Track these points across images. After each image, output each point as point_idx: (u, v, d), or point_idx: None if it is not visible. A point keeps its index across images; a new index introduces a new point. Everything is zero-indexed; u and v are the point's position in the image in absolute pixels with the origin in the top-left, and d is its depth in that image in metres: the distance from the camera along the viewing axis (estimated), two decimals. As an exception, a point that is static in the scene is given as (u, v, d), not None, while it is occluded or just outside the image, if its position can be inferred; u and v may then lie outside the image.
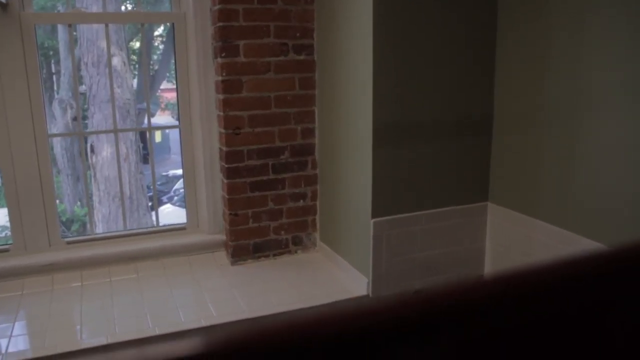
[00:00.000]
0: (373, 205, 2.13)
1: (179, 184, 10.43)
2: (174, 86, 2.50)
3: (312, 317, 0.39)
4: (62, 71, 8.48)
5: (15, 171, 2.32)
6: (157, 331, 1.96)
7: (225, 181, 2.45)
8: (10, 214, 2.36)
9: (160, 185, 11.05)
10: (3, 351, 1.88)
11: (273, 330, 0.37)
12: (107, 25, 2.49)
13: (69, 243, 2.45)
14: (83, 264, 2.40)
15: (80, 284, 2.34)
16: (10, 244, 2.39)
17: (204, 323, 2.01)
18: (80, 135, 2.64)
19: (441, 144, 2.21)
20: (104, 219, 7.32)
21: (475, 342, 0.43)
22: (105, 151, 6.66)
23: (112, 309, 2.15)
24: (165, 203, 10.34)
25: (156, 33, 10.72)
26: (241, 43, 2.35)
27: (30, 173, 2.33)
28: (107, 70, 6.62)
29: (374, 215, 2.14)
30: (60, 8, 8.61)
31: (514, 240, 2.22)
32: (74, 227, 9.54)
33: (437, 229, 2.26)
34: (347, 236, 2.37)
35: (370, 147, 2.09)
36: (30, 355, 1.85)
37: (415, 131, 2.15)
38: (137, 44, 9.92)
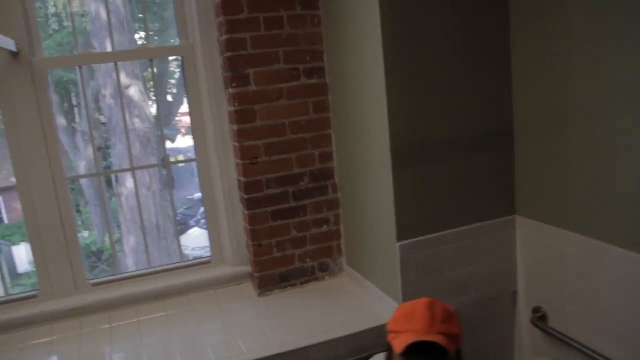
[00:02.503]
0: (398, 228, 2.08)
1: (205, 207, 10.44)
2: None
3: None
4: (83, 104, 8.61)
5: (37, 216, 2.32)
6: (187, 373, 1.93)
7: (246, 212, 2.41)
8: (35, 259, 2.37)
9: (186, 209, 11.12)
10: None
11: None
12: (116, 64, 2.50)
13: (94, 285, 2.44)
14: (110, 306, 2.39)
15: (109, 325, 2.33)
16: (38, 290, 2.39)
17: (234, 361, 1.97)
18: (98, 175, 2.64)
19: (463, 159, 2.15)
20: (132, 249, 7.38)
21: None
22: (129, 182, 6.71)
23: (141, 350, 2.13)
24: (193, 227, 10.41)
25: (171, 57, 10.84)
26: (251, 71, 2.32)
27: (51, 217, 2.33)
28: (125, 102, 6.70)
29: (399, 239, 2.08)
30: (79, 44, 8.75)
31: (546, 253, 2.14)
32: (104, 256, 9.64)
33: (465, 247, 2.19)
34: (374, 260, 2.32)
35: (390, 168, 2.04)
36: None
37: (434, 148, 2.10)
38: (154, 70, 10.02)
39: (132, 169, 2.56)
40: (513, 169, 2.25)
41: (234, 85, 2.31)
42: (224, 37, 2.29)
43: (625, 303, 1.81)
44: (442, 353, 1.55)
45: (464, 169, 2.16)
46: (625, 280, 1.80)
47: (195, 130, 2.51)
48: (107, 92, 7.02)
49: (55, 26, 9.09)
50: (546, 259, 2.15)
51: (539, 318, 2.21)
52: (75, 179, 7.96)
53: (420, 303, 1.60)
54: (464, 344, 2.26)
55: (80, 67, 2.38)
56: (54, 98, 8.68)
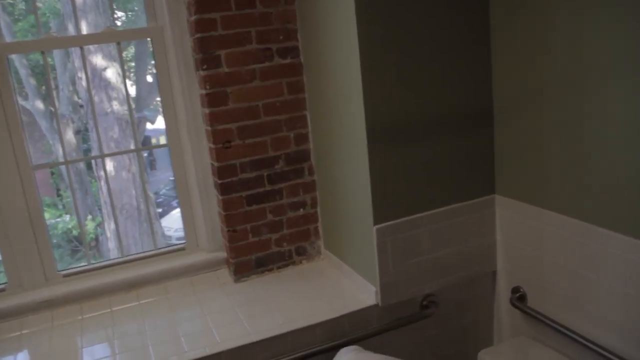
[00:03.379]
0: (374, 210, 2.03)
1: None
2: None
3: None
4: (61, 86, 8.43)
5: (2, 207, 2.24)
6: (160, 365, 1.88)
7: (220, 197, 2.35)
8: (1, 251, 2.29)
9: (168, 190, 11.01)
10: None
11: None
12: (82, 48, 2.40)
13: (65, 276, 2.37)
14: (82, 297, 2.33)
15: (80, 317, 2.26)
16: (5, 283, 2.32)
17: (208, 351, 1.92)
18: (66, 164, 2.55)
19: (441, 140, 2.10)
20: (114, 232, 7.30)
21: None
22: (108, 165, 6.60)
23: (113, 340, 2.08)
24: (176, 208, 10.30)
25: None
26: (222, 53, 2.24)
27: (17, 207, 2.26)
28: (102, 84, 6.56)
29: (376, 222, 2.04)
30: (53, 25, 8.54)
31: (525, 233, 2.11)
32: (86, 240, 9.53)
33: (444, 229, 2.15)
34: (351, 244, 2.28)
35: (366, 149, 1.98)
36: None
37: (411, 128, 2.04)
38: (132, 50, 9.83)
39: (102, 156, 2.50)
40: (492, 149, 2.20)
41: (205, 67, 2.23)
42: (193, 17, 2.20)
43: (604, 282, 1.79)
44: None
45: (442, 149, 2.11)
46: (604, 259, 1.77)
47: (166, 114, 2.43)
48: (83, 75, 6.86)
49: (22, 6, 8.85)
50: (525, 238, 2.12)
51: (518, 298, 2.19)
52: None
53: None
54: (443, 325, 2.24)
55: (43, 52, 2.28)
56: (31, 82, 8.50)
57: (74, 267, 2.42)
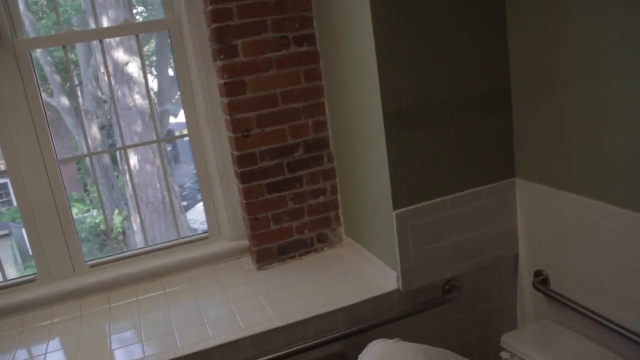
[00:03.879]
0: (393, 195, 2.04)
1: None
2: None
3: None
4: (84, 82, 8.55)
5: (30, 200, 2.30)
6: (186, 351, 1.91)
7: (241, 186, 2.38)
8: (31, 243, 2.35)
9: (192, 183, 11.11)
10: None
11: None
12: (102, 42, 2.44)
13: (92, 266, 2.42)
14: (109, 286, 2.38)
15: (108, 306, 2.32)
16: (35, 273, 2.38)
17: (232, 337, 1.95)
18: (90, 156, 2.60)
19: (459, 122, 2.09)
20: (139, 226, 7.40)
21: None
22: (132, 159, 6.68)
23: (140, 328, 2.12)
24: (200, 201, 10.41)
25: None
26: (239, 42, 2.26)
27: (44, 200, 2.31)
28: (124, 78, 6.64)
29: (395, 207, 2.04)
30: (74, 21, 8.65)
31: (547, 216, 2.09)
32: (113, 234, 9.69)
33: (464, 213, 2.15)
34: (372, 230, 2.28)
35: (383, 133, 1.98)
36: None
37: (428, 111, 2.04)
38: (153, 45, 9.91)
39: (124, 148, 2.53)
40: (511, 132, 2.18)
41: (222, 57, 2.25)
42: (210, 7, 2.22)
43: (626, 264, 1.77)
44: None
45: (461, 131, 2.10)
46: (626, 240, 1.75)
47: (185, 104, 2.46)
48: (106, 70, 6.95)
49: (45, 3, 8.98)
50: (547, 221, 2.10)
51: (541, 281, 2.18)
52: (78, 159, 7.95)
53: None
54: (465, 309, 2.23)
55: (64, 47, 2.32)
56: (56, 78, 8.63)
57: (100, 258, 2.47)
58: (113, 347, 2.03)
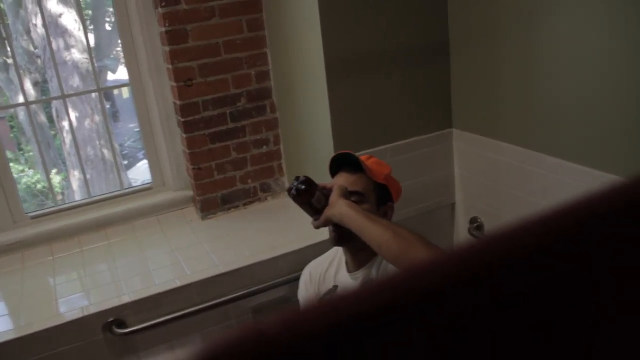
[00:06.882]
0: (335, 144, 2.09)
1: (153, 139, 10.23)
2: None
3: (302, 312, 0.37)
4: (14, 35, 8.15)
5: (-36, 151, 2.23)
6: (132, 297, 1.94)
7: (184, 135, 2.38)
8: (-33, 195, 2.29)
9: (133, 142, 10.86)
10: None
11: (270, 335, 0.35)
12: (36, -14, 2.35)
13: (33, 218, 2.39)
14: (51, 237, 2.35)
15: (51, 257, 2.30)
16: (-28, 226, 2.33)
17: (178, 283, 1.99)
18: (27, 104, 2.53)
19: (399, 74, 2.15)
20: (81, 184, 7.24)
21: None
22: (70, 115, 6.46)
23: (85, 279, 2.13)
24: (141, 160, 10.19)
25: (107, -16, 10.25)
26: (180, -11, 2.23)
27: (-20, 151, 2.25)
28: (58, 31, 6.37)
29: (337, 155, 2.09)
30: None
31: (481, 164, 2.20)
32: (51, 194, 9.42)
33: (403, 162, 2.22)
34: (314, 178, 2.33)
35: (325, 83, 2.02)
36: (13, 336, 1.81)
37: (370, 61, 2.08)
38: (88, -1, 9.49)
39: (64, 97, 2.47)
40: (449, 83, 2.26)
41: (163, 4, 2.22)
42: (149, -47, 2.17)
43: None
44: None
45: (401, 83, 2.16)
46: (556, 187, 1.86)
47: (126, 53, 2.41)
48: (38, 22, 6.64)
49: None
50: (482, 170, 2.21)
51: (476, 227, 2.30)
52: (11, 117, 7.69)
53: None
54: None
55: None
56: (-18, 31, 8.17)
57: (42, 209, 2.43)
58: (58, 297, 2.03)
